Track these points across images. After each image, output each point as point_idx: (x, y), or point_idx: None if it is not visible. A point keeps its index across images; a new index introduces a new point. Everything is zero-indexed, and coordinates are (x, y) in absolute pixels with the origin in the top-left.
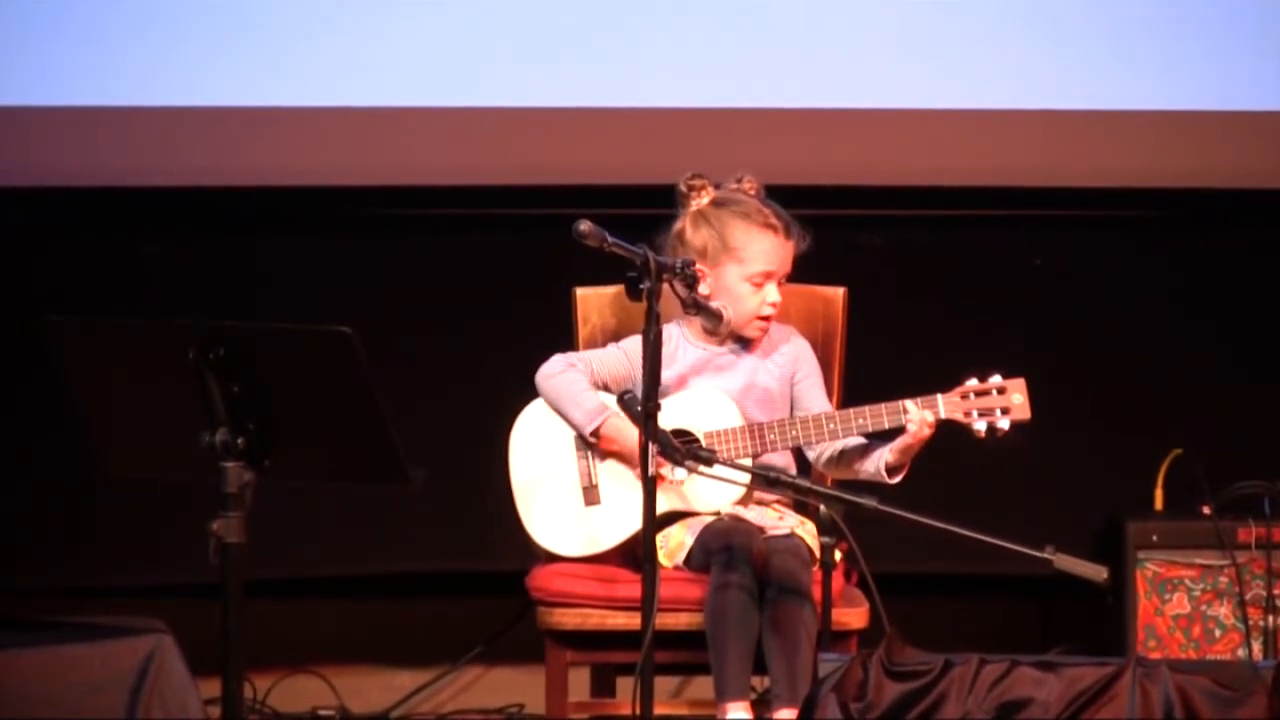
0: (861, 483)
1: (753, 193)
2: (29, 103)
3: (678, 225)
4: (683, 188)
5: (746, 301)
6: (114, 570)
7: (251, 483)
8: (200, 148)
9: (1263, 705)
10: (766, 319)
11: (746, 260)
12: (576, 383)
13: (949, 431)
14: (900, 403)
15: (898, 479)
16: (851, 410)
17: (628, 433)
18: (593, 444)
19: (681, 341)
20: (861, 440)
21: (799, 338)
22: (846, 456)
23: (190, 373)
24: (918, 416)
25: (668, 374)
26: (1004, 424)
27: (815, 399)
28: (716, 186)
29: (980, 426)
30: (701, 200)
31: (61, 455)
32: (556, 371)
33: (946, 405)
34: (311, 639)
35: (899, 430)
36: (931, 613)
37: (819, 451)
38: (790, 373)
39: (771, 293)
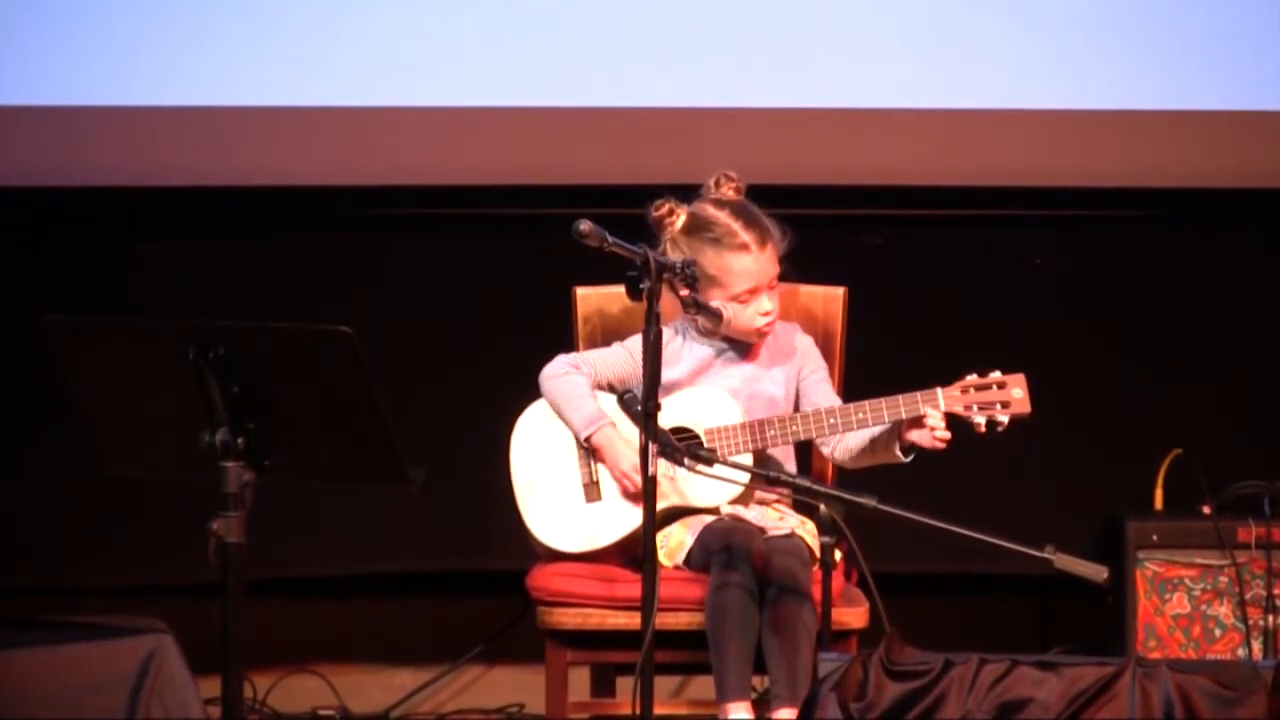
0: (862, 481)
1: (731, 194)
2: (29, 103)
3: (658, 250)
4: (653, 215)
5: (739, 317)
6: (114, 570)
7: (251, 483)
8: (200, 148)
9: (1263, 705)
10: (765, 327)
11: (727, 285)
12: (577, 387)
13: (949, 429)
14: (899, 400)
15: (912, 458)
16: (852, 405)
17: (618, 445)
18: None
19: (687, 339)
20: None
21: (802, 335)
22: (859, 445)
23: (190, 373)
24: (938, 416)
25: (674, 371)
26: (1003, 418)
27: (822, 392)
28: (689, 198)
29: (980, 420)
30: (675, 225)
31: (61, 455)
32: (559, 374)
33: (947, 399)
34: (311, 639)
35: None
36: (931, 613)
37: (831, 445)
38: (796, 369)
39: (763, 304)
